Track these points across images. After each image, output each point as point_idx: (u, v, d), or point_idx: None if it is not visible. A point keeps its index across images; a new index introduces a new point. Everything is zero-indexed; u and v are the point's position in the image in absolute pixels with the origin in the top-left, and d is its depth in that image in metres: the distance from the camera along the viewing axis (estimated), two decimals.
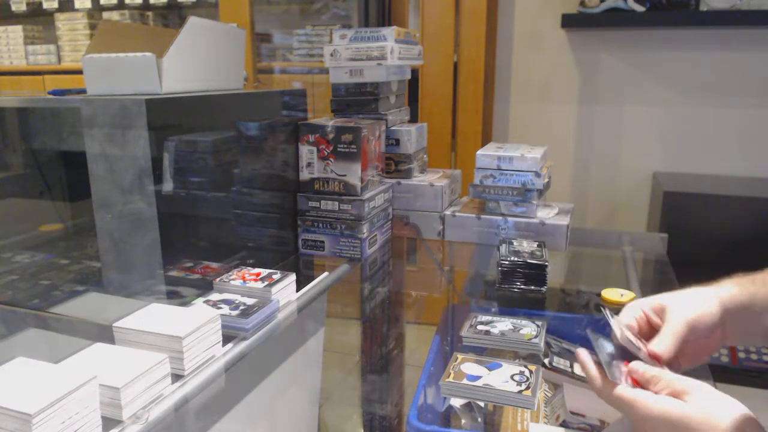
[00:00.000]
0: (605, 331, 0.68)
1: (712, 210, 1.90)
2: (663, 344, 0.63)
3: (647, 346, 0.63)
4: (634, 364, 0.61)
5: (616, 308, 1.02)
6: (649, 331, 0.67)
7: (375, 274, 1.20)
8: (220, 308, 0.80)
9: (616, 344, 0.65)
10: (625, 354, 0.63)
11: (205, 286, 0.89)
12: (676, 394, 0.56)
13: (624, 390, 0.58)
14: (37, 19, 3.45)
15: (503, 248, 1.08)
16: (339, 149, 1.11)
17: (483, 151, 1.21)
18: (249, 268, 0.93)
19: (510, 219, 1.20)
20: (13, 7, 3.41)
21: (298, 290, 0.93)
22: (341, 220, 1.12)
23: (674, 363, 0.64)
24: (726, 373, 1.95)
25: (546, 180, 1.23)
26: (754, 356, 1.96)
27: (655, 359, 0.62)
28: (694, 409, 0.53)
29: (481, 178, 1.21)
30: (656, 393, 0.58)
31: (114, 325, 0.70)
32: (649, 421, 0.55)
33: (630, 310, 0.69)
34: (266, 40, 2.97)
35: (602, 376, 0.61)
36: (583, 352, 0.65)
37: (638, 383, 0.60)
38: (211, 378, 0.69)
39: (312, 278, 1.02)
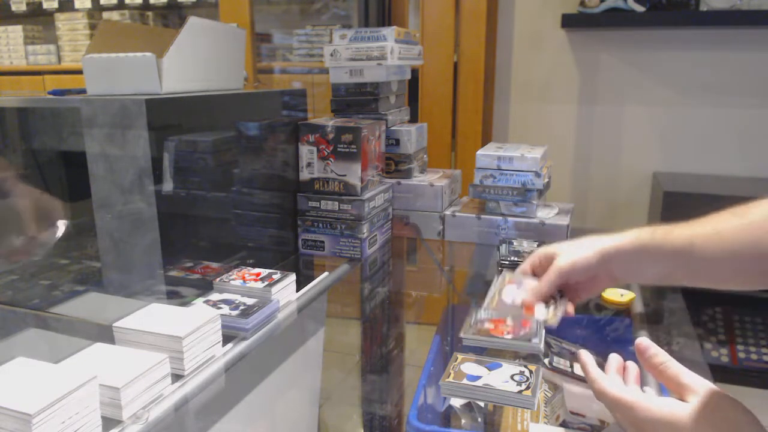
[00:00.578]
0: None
1: (712, 210, 1.89)
2: (537, 291, 0.76)
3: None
4: (645, 342, 0.61)
5: (616, 308, 1.02)
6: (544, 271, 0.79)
7: (375, 274, 1.20)
8: (220, 308, 0.80)
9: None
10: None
11: (205, 286, 0.89)
12: (679, 389, 0.56)
13: (623, 392, 0.58)
14: (37, 19, 3.45)
15: (503, 248, 1.08)
16: (339, 149, 1.11)
17: (483, 151, 1.21)
18: (249, 268, 0.93)
19: (510, 219, 1.20)
20: (13, 7, 3.41)
21: (298, 290, 0.93)
22: (341, 220, 1.12)
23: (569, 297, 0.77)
24: (726, 373, 1.95)
25: (546, 180, 1.23)
26: (754, 356, 1.96)
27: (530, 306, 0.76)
28: (696, 411, 0.53)
29: (481, 178, 1.21)
30: (660, 380, 0.58)
31: (114, 325, 0.70)
32: (650, 423, 0.55)
33: (531, 256, 0.81)
34: (266, 40, 2.96)
35: (602, 378, 0.62)
36: (585, 353, 0.66)
37: (648, 364, 0.60)
38: (211, 378, 0.69)
39: (312, 278, 1.02)
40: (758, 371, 1.93)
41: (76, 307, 0.94)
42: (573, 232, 1.21)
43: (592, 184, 2.39)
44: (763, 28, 2.06)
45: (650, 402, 0.56)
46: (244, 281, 0.87)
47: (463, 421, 0.93)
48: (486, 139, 2.34)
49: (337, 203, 1.12)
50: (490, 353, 0.92)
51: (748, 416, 0.52)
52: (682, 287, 1.05)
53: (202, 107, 0.97)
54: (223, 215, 1.01)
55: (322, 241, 1.15)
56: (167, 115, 0.87)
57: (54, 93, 1.07)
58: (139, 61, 0.88)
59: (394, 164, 1.30)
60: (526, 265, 0.82)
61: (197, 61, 0.99)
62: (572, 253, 0.74)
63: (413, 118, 1.48)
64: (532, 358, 0.90)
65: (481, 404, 0.95)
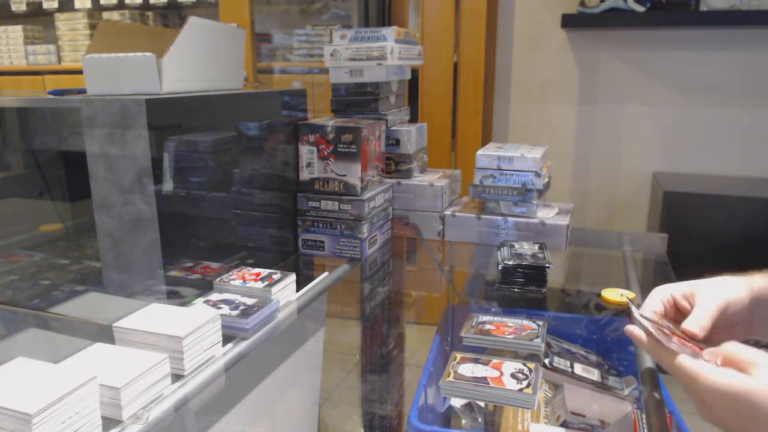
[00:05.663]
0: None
1: (712, 210, 1.90)
2: (698, 322, 0.59)
3: (679, 327, 0.60)
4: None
5: (616, 308, 1.02)
6: (676, 315, 0.65)
7: (375, 274, 1.20)
8: (220, 308, 0.80)
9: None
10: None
11: (205, 286, 0.89)
12: (740, 366, 0.53)
13: (686, 361, 0.55)
14: (37, 19, 3.45)
15: (503, 251, 1.08)
16: (339, 149, 1.11)
17: (483, 151, 1.21)
18: (249, 268, 0.93)
19: (510, 219, 1.20)
20: (13, 7, 3.41)
21: (298, 290, 0.93)
22: (341, 220, 1.12)
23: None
24: None
25: (546, 180, 1.23)
26: None
27: (691, 338, 0.59)
28: (759, 383, 0.50)
29: (481, 178, 1.21)
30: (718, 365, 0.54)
31: (114, 325, 0.70)
32: (710, 394, 0.52)
33: (657, 294, 0.66)
34: (266, 40, 2.96)
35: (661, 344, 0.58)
36: (635, 329, 0.62)
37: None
38: (211, 378, 0.69)
39: (312, 278, 1.02)
40: None
41: (76, 307, 0.94)
42: (573, 232, 1.21)
43: (592, 184, 2.39)
44: (763, 28, 2.06)
45: (712, 372, 0.52)
46: (244, 281, 0.87)
47: (463, 421, 0.93)
48: (486, 139, 2.34)
49: (337, 203, 1.12)
50: (490, 353, 0.92)
51: None
52: None
53: (202, 107, 0.97)
54: (223, 215, 1.01)
55: (322, 241, 1.15)
56: (167, 115, 0.87)
57: (54, 93, 1.07)
58: (139, 61, 0.88)
59: (394, 164, 1.30)
60: (657, 305, 0.65)
61: (197, 61, 0.99)
62: (723, 291, 0.62)
63: (413, 118, 1.48)
64: (532, 358, 0.90)
65: (481, 404, 0.95)
